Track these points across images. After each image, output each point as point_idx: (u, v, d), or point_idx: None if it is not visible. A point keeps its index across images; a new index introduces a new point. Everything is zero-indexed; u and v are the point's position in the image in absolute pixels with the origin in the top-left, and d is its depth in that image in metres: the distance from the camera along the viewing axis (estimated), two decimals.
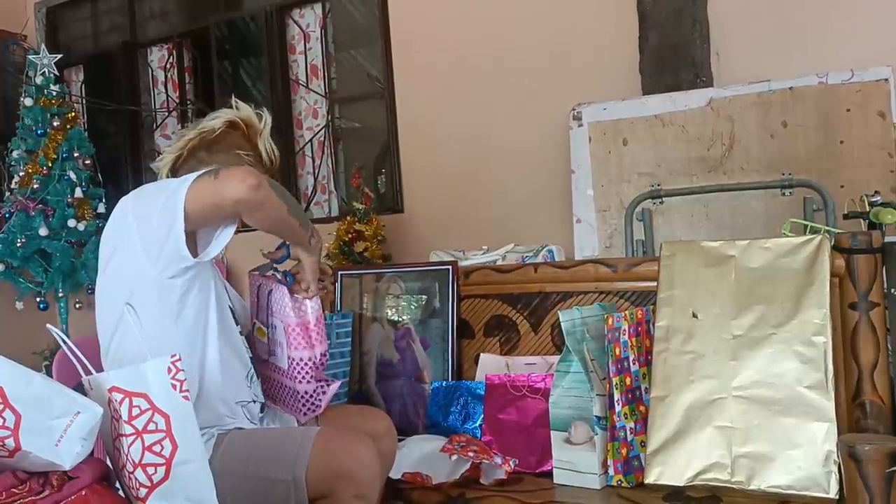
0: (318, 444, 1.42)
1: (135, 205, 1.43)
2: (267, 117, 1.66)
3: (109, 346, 1.46)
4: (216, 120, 1.61)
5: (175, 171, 1.62)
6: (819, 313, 1.54)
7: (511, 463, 1.71)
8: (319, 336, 1.62)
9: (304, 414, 1.65)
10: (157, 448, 1.15)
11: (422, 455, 1.83)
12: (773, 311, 1.58)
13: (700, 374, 1.59)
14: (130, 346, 1.40)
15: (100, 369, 1.33)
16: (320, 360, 1.63)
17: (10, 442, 1.05)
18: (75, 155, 4.05)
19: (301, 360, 1.60)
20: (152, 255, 1.38)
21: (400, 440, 1.88)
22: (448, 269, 2.13)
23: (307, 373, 1.62)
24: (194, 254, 1.40)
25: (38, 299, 4.08)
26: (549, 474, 1.71)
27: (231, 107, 1.64)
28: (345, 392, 2.15)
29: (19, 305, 4.09)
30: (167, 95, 4.60)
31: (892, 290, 1.61)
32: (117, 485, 1.22)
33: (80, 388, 1.23)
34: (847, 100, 2.58)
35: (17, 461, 1.08)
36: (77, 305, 4.26)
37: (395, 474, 1.73)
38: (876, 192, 2.19)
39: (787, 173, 2.63)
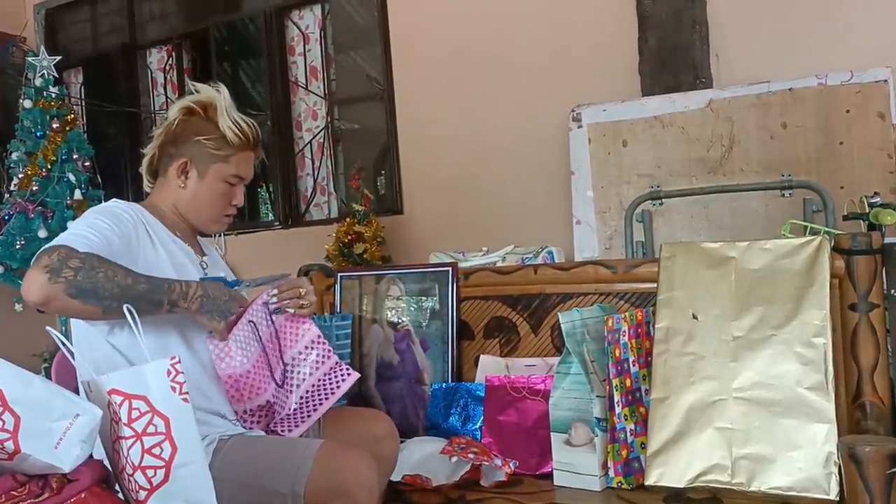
0: (319, 459, 1.40)
1: None
2: (224, 91, 1.58)
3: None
4: (173, 110, 1.59)
5: (154, 173, 1.63)
6: (819, 314, 1.54)
7: (511, 465, 1.71)
8: (236, 393, 1.53)
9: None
10: (156, 450, 1.14)
11: (422, 457, 1.83)
12: (773, 313, 1.58)
13: (700, 375, 1.59)
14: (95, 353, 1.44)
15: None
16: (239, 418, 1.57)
17: (10, 444, 1.05)
18: (74, 157, 4.05)
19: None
20: None
21: (400, 442, 1.88)
22: (448, 271, 2.13)
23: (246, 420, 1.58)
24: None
25: None
26: (550, 476, 1.71)
27: (191, 93, 1.61)
28: (345, 393, 2.15)
29: (18, 307, 4.08)
30: (167, 97, 4.60)
31: (892, 292, 1.61)
32: (117, 487, 1.22)
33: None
34: (846, 101, 2.58)
35: (16, 464, 1.08)
36: None
37: (395, 476, 1.72)
38: (875, 193, 2.19)
39: (786, 174, 2.63)
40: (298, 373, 1.61)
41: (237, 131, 1.57)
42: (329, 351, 1.64)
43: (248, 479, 1.41)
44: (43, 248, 1.30)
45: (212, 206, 1.60)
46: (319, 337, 1.64)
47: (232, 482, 1.38)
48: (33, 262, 1.27)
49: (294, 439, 1.61)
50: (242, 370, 1.52)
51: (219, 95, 1.58)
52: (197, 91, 1.60)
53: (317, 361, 1.62)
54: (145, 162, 1.63)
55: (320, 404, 1.60)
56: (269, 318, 1.57)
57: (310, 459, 1.40)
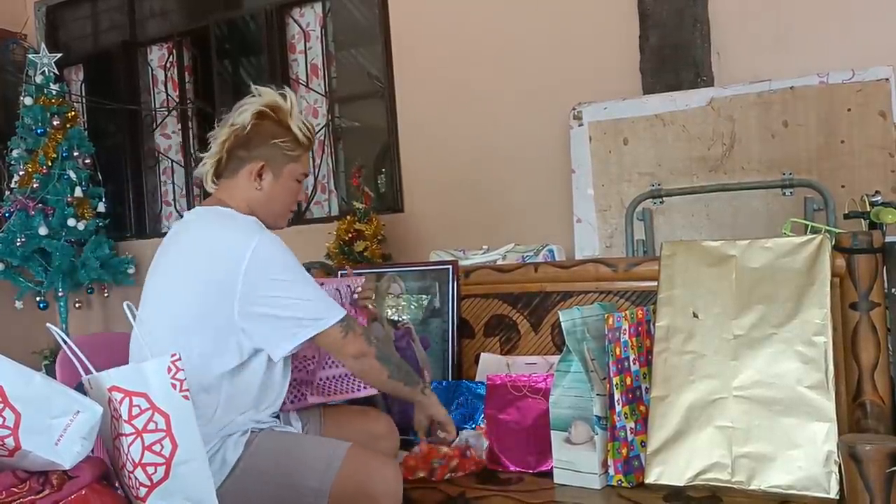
0: (348, 460, 1.44)
1: (266, 270, 1.48)
2: (292, 96, 1.62)
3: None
4: (244, 114, 1.58)
5: (219, 175, 1.62)
6: (819, 313, 1.54)
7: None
8: None
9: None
10: (156, 447, 1.14)
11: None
12: (773, 311, 1.58)
13: (700, 373, 1.59)
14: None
15: (100, 368, 1.33)
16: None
17: (10, 441, 1.05)
18: (75, 154, 4.05)
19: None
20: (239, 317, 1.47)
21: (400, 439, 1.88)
22: (448, 269, 2.13)
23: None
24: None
25: (37, 299, 4.08)
26: (550, 474, 1.71)
27: (253, 96, 1.61)
28: None
29: (19, 305, 4.09)
30: (167, 94, 4.60)
31: (893, 290, 1.61)
32: (117, 484, 1.22)
33: (80, 387, 1.23)
34: (848, 99, 2.58)
35: (16, 460, 1.08)
36: (77, 305, 4.26)
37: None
38: (876, 191, 2.19)
39: (787, 173, 2.63)
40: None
41: (306, 132, 1.62)
42: None
43: (276, 474, 1.44)
44: (340, 319, 1.50)
45: (284, 204, 1.66)
46: None
47: (260, 476, 1.42)
48: (351, 331, 1.51)
49: (323, 438, 1.66)
50: None
51: (288, 100, 1.61)
52: (259, 94, 1.60)
53: None
54: (210, 166, 1.62)
55: (337, 393, 1.79)
56: (350, 298, 1.85)
57: (339, 459, 1.44)
